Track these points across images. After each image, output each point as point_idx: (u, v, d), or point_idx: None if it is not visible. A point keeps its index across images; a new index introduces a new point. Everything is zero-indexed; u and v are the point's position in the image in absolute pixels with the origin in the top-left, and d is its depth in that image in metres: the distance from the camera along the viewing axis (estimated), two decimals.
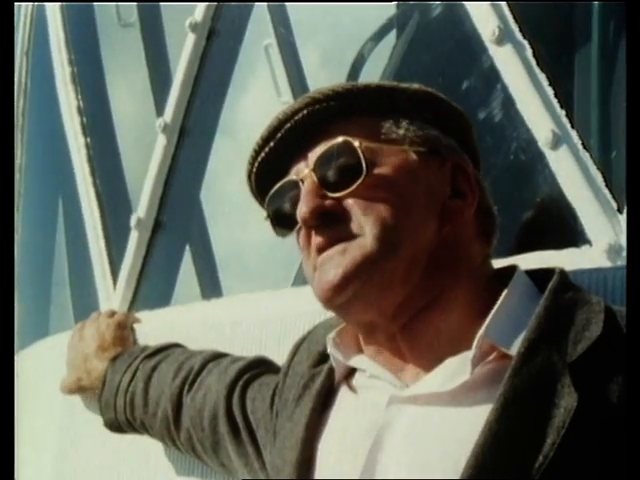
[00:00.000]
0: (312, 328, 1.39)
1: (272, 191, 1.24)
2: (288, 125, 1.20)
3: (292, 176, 1.22)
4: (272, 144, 1.22)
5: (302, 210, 1.17)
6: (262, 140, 1.23)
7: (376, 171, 1.17)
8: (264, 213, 1.28)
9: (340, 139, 1.18)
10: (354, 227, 1.16)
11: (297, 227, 1.21)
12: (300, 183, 1.20)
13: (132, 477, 2.02)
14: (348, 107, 1.20)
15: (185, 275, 2.55)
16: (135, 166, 2.71)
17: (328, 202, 1.17)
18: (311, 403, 1.24)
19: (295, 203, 1.19)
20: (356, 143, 1.17)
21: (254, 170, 1.26)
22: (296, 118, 1.20)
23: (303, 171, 1.20)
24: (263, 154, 1.23)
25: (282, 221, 1.25)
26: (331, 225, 1.17)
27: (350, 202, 1.17)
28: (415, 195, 1.18)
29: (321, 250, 1.18)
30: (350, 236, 1.16)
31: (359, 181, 1.16)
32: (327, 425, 1.22)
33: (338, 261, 1.15)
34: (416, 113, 1.22)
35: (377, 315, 1.17)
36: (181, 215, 2.53)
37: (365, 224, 1.15)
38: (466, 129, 1.28)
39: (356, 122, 1.20)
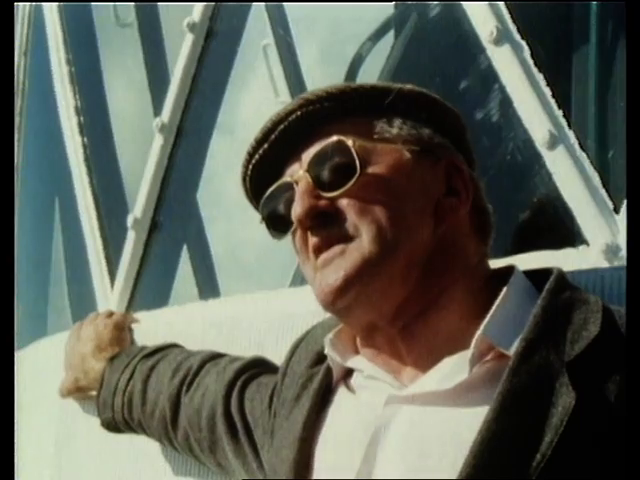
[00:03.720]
0: (310, 328, 1.39)
1: (267, 193, 1.24)
2: (281, 127, 1.20)
3: (286, 178, 1.22)
4: (266, 146, 1.22)
5: (297, 211, 1.17)
6: (256, 142, 1.23)
7: (370, 170, 1.17)
8: (259, 215, 1.28)
9: (333, 139, 1.18)
10: (350, 228, 1.15)
11: (292, 229, 1.21)
12: (294, 184, 1.19)
13: (130, 477, 2.02)
14: (341, 108, 1.20)
15: (182, 275, 2.55)
16: (132, 166, 2.71)
17: (323, 202, 1.17)
18: (309, 403, 1.24)
19: (290, 205, 1.19)
20: (349, 142, 1.16)
21: (248, 173, 1.25)
22: (290, 119, 1.20)
23: (297, 172, 1.20)
24: (257, 156, 1.23)
25: (277, 223, 1.25)
26: (326, 226, 1.17)
27: (345, 202, 1.16)
28: (409, 194, 1.18)
29: (318, 251, 1.18)
30: (347, 237, 1.16)
31: (353, 180, 1.16)
32: (324, 425, 1.22)
33: (338, 264, 1.15)
34: (410, 113, 1.22)
35: (378, 317, 1.17)
36: (178, 215, 2.53)
37: (361, 225, 1.15)
38: (460, 129, 1.28)
39: (349, 122, 1.20)
